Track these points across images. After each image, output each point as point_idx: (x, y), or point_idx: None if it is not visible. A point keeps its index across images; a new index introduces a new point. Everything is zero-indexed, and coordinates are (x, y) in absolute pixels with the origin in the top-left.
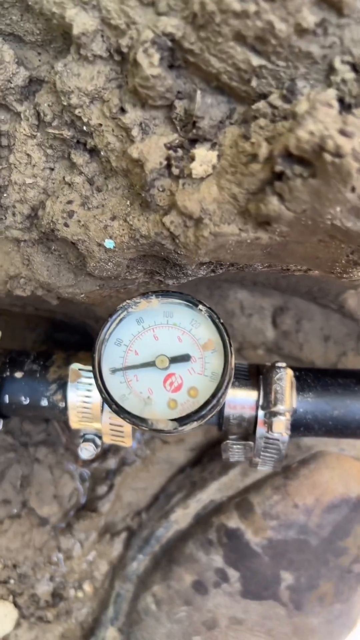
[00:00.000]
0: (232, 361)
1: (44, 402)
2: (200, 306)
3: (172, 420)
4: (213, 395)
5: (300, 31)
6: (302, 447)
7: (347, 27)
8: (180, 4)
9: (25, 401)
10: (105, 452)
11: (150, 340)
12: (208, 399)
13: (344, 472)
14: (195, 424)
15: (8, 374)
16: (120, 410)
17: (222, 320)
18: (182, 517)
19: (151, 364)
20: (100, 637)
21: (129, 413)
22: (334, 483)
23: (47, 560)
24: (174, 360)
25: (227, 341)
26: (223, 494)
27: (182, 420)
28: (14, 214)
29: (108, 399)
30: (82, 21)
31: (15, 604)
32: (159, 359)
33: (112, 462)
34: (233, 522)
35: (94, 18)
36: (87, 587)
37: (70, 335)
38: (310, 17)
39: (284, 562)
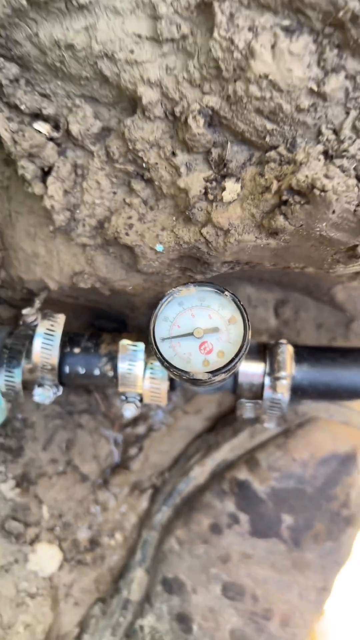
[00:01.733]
0: (249, 332)
1: (97, 372)
2: (226, 292)
3: (206, 372)
4: (236, 355)
5: (299, 109)
6: (299, 413)
7: (329, 107)
8: (219, 88)
9: (82, 371)
10: (136, 419)
11: (189, 317)
12: (232, 357)
13: (333, 433)
14: (223, 375)
15: (68, 349)
16: (170, 366)
17: (242, 302)
18: (200, 473)
19: (190, 334)
20: (129, 578)
21: (176, 368)
22: (325, 441)
23: (86, 511)
24: (207, 331)
25: (246, 317)
26: (234, 453)
27: (213, 372)
28: (83, 225)
29: (161, 359)
30: (148, 94)
31: (60, 548)
32: (195, 330)
33: (141, 429)
34: (243, 474)
35: (157, 93)
36: (119, 536)
37: (108, 323)
38: (306, 101)
39: (285, 507)
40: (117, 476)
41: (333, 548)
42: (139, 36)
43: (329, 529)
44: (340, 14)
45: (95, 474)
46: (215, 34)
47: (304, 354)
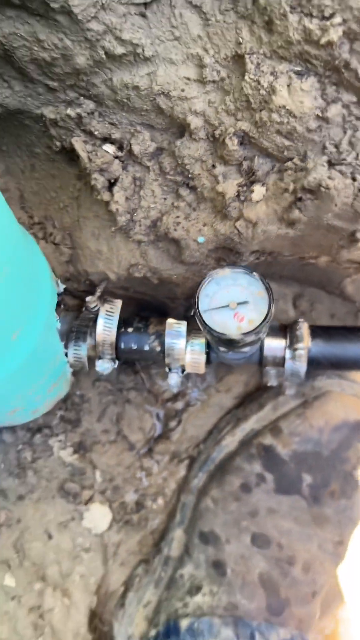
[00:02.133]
0: (273, 303)
1: (146, 347)
2: (254, 272)
3: (240, 333)
4: (263, 320)
5: (309, 130)
6: (315, 388)
7: (331, 128)
8: (249, 116)
9: (134, 347)
10: (176, 396)
11: (225, 293)
12: (260, 322)
13: (344, 404)
14: (252, 337)
15: (123, 329)
16: (211, 330)
17: (267, 281)
18: (230, 442)
19: (226, 306)
20: (169, 538)
21: (216, 331)
22: (337, 411)
23: (133, 476)
24: (239, 304)
25: (270, 292)
26: (260, 424)
27: (245, 334)
28: (140, 225)
29: (204, 325)
30: (195, 121)
31: (110, 509)
32: (230, 303)
33: (180, 404)
34: (268, 440)
35: (201, 120)
36: (160, 500)
37: (152, 314)
38: (313, 124)
39: (304, 467)
40: (160, 445)
41: (347, 505)
42: (188, 79)
43: (343, 488)
44: (336, 62)
45: (141, 443)
46: (246, 77)
47: (318, 331)
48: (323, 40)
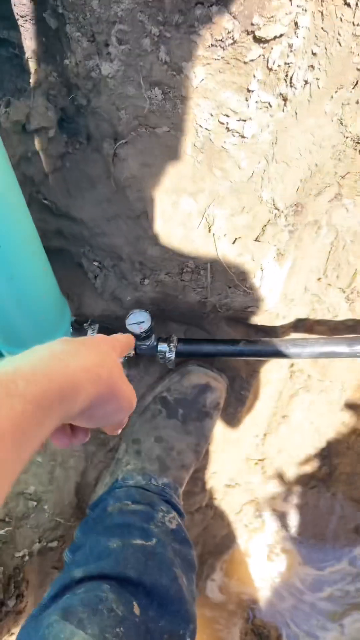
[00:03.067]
0: (153, 321)
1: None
2: (148, 311)
3: (141, 332)
4: (148, 328)
5: (181, 277)
6: (187, 370)
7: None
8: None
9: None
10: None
11: (136, 317)
12: (147, 329)
13: (199, 376)
14: (144, 334)
15: None
16: (131, 332)
17: (150, 313)
18: (149, 398)
19: (136, 323)
20: (118, 448)
21: (132, 332)
22: (195, 380)
23: None
24: (140, 322)
25: (151, 317)
26: (162, 388)
27: (142, 332)
28: (106, 293)
29: (129, 331)
30: (124, 254)
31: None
32: (138, 322)
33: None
34: (164, 394)
35: (127, 254)
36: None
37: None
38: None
39: (179, 405)
40: None
41: (200, 426)
42: (118, 240)
43: (198, 416)
44: None
45: None
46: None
47: (182, 340)
48: None
